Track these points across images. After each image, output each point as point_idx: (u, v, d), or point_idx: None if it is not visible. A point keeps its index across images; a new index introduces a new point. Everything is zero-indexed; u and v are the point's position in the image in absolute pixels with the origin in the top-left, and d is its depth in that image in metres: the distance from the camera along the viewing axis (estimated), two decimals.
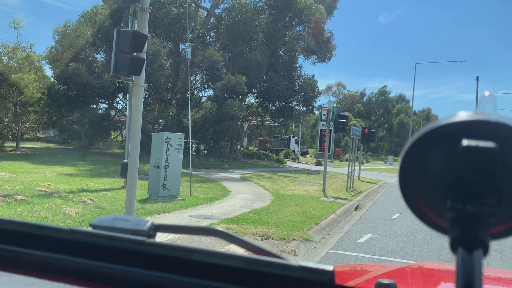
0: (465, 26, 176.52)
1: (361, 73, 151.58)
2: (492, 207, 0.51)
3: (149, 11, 7.40)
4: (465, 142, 0.50)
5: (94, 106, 31.26)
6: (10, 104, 24.93)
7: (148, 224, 0.80)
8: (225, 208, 11.09)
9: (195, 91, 32.25)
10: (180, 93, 28.68)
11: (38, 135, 33.64)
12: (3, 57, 24.92)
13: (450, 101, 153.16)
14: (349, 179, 18.59)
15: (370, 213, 12.75)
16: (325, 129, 36.85)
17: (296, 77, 32.76)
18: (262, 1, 31.91)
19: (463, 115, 0.52)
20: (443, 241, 8.37)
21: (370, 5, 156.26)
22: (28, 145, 30.09)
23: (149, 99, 29.24)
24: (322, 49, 33.54)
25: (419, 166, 0.55)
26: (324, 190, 16.43)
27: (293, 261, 0.67)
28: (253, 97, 33.99)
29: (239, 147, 35.89)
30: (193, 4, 31.16)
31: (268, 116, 36.25)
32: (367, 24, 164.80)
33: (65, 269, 0.73)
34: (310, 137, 77.38)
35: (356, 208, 13.45)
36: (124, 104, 31.02)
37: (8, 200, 9.02)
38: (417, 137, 0.54)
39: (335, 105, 35.48)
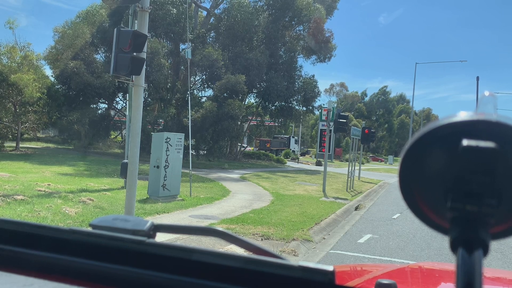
0: (465, 26, 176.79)
1: (361, 73, 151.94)
2: (492, 207, 0.51)
3: (149, 11, 7.40)
4: (465, 142, 0.50)
5: (94, 106, 31.25)
6: (10, 104, 24.93)
7: (148, 224, 0.80)
8: (225, 208, 11.09)
9: (195, 91, 32.24)
10: (180, 93, 28.67)
11: (38, 135, 33.65)
12: (1, 57, 24.91)
13: (450, 101, 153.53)
14: (349, 179, 18.59)
15: (370, 213, 12.75)
16: (325, 129, 36.88)
17: (296, 77, 32.76)
18: (261, 1, 31.90)
19: (463, 115, 0.52)
20: (443, 241, 8.37)
21: (370, 5, 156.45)
22: (28, 145, 30.09)
23: (149, 99, 29.23)
24: (322, 49, 33.53)
25: (419, 166, 0.55)
26: (324, 190, 16.43)
27: (293, 261, 0.67)
28: (253, 97, 34.01)
29: (239, 147, 35.89)
30: (193, 4, 31.16)
31: (268, 116, 36.25)
32: (367, 24, 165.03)
33: (65, 269, 0.73)
34: (310, 137, 77.42)
35: (356, 208, 13.45)
36: (124, 104, 31.03)
37: (8, 200, 9.02)
38: (417, 137, 0.54)
39: (335, 105, 35.45)
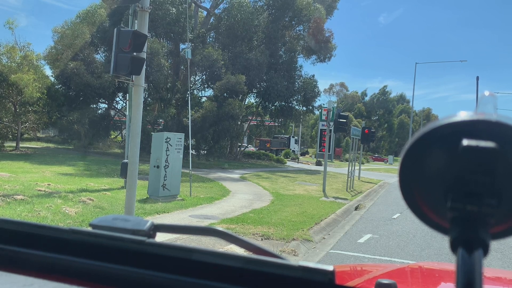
0: (465, 26, 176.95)
1: (361, 73, 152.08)
2: (492, 207, 0.51)
3: (149, 10, 7.40)
4: (465, 142, 0.50)
5: (94, 106, 31.25)
6: (10, 104, 24.93)
7: (148, 224, 0.80)
8: (225, 208, 11.09)
9: (195, 91, 32.25)
10: (180, 93, 28.68)
11: (38, 135, 33.65)
12: (1, 57, 24.91)
13: (450, 101, 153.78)
14: (349, 179, 18.59)
15: (370, 213, 12.75)
16: (325, 129, 36.87)
17: (296, 77, 32.76)
18: (261, 1, 31.91)
19: (463, 115, 0.52)
20: (443, 241, 8.37)
21: (370, 5, 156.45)
22: (28, 145, 30.09)
23: (149, 99, 29.24)
24: (322, 49, 33.54)
25: (419, 166, 0.55)
26: (324, 190, 16.43)
27: (293, 261, 0.67)
28: (253, 97, 34.01)
29: (239, 147, 35.88)
30: (193, 3, 31.16)
31: (268, 116, 36.24)
32: (367, 24, 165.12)
33: (65, 269, 0.73)
34: (310, 137, 77.44)
35: (356, 208, 13.45)
36: (124, 104, 31.03)
37: (8, 200, 9.02)
38: (417, 137, 0.54)
39: (335, 105, 35.47)
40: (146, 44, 7.07)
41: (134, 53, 6.73)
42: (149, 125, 26.82)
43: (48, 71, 28.70)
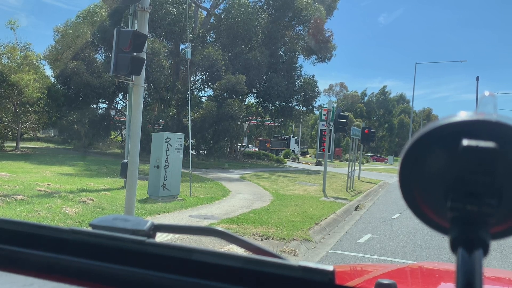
0: (465, 26, 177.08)
1: (361, 73, 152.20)
2: (492, 207, 0.51)
3: (149, 11, 7.40)
4: (465, 142, 0.50)
5: (94, 106, 31.25)
6: (10, 104, 24.93)
7: (148, 224, 0.80)
8: (225, 208, 11.09)
9: (195, 91, 32.24)
10: (180, 93, 28.67)
11: (38, 135, 33.65)
12: (2, 57, 24.91)
13: (450, 101, 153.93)
14: (349, 179, 18.59)
15: (370, 213, 12.75)
16: (325, 129, 36.85)
17: (296, 77, 32.76)
18: (261, 1, 31.91)
19: (463, 115, 0.52)
20: (443, 241, 8.37)
21: (370, 5, 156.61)
22: (27, 145, 30.09)
23: (149, 99, 29.24)
24: (322, 49, 33.53)
25: (420, 166, 0.55)
26: (324, 190, 16.43)
27: (293, 261, 0.67)
28: (253, 97, 34.02)
29: (239, 147, 35.88)
30: (193, 4, 31.16)
31: (268, 116, 36.23)
32: (367, 24, 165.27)
33: (65, 269, 0.73)
34: (310, 137, 77.46)
35: (356, 208, 13.45)
36: (124, 104, 31.03)
37: (8, 200, 9.01)
38: (417, 137, 0.54)
39: (335, 105, 35.50)
40: (146, 44, 7.07)
41: (134, 53, 6.73)
42: (149, 125, 26.81)
43: (48, 71, 28.75)
